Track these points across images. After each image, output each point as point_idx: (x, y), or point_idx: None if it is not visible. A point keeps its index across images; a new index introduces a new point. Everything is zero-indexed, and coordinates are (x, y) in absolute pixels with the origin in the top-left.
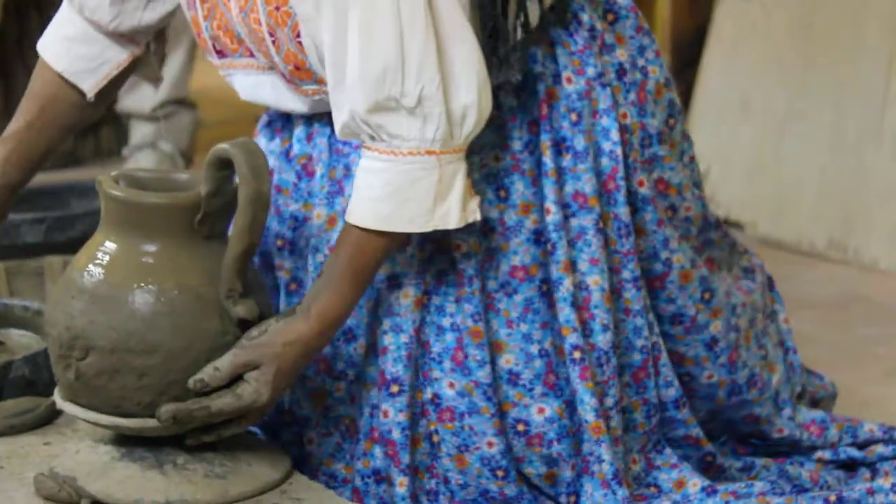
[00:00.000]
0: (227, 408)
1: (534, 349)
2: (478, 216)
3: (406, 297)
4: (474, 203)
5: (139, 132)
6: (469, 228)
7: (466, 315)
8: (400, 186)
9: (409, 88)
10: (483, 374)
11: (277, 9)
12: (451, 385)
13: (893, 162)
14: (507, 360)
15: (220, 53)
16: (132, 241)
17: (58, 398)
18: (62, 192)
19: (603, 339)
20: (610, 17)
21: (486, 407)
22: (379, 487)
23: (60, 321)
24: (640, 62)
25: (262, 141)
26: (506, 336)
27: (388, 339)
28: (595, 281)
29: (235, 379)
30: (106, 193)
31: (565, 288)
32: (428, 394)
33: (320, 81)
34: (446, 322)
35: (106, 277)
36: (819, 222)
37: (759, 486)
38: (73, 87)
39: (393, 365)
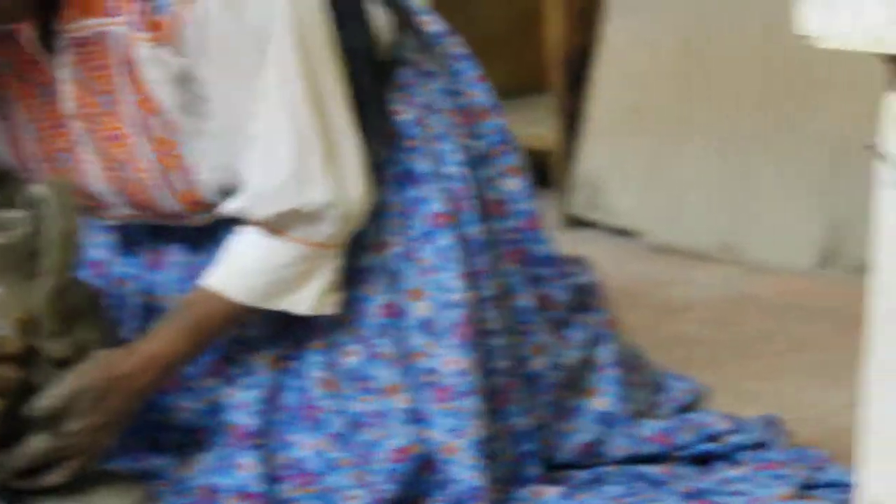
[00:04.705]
0: (42, 445)
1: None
2: (336, 310)
3: (262, 358)
4: (334, 297)
5: None
6: None
7: (319, 367)
8: (273, 267)
9: (308, 199)
10: (339, 424)
11: (168, 154)
12: (309, 445)
13: (776, 166)
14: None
15: None
16: None
17: None
18: None
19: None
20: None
21: (346, 458)
22: None
23: None
24: (458, 86)
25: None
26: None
27: (242, 395)
28: (467, 297)
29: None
30: None
31: (413, 316)
32: (284, 458)
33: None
34: (303, 383)
35: None
36: (710, 226)
37: (613, 489)
38: None
39: (249, 418)
